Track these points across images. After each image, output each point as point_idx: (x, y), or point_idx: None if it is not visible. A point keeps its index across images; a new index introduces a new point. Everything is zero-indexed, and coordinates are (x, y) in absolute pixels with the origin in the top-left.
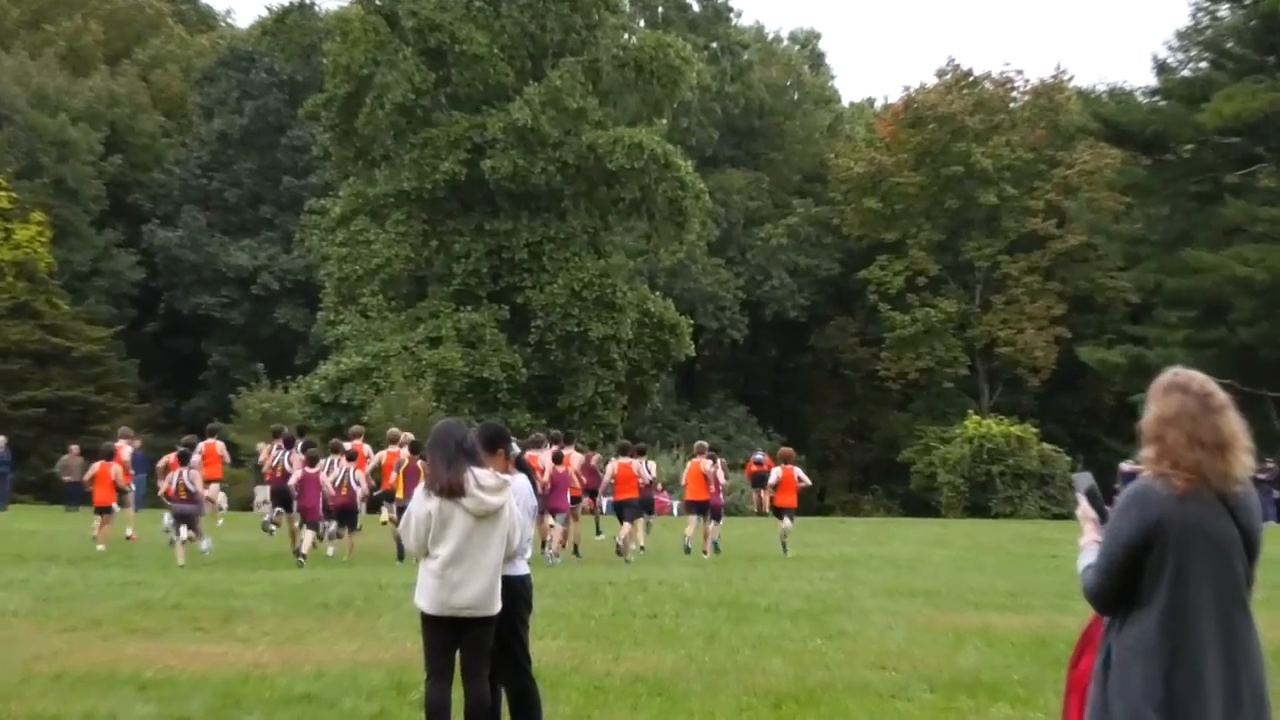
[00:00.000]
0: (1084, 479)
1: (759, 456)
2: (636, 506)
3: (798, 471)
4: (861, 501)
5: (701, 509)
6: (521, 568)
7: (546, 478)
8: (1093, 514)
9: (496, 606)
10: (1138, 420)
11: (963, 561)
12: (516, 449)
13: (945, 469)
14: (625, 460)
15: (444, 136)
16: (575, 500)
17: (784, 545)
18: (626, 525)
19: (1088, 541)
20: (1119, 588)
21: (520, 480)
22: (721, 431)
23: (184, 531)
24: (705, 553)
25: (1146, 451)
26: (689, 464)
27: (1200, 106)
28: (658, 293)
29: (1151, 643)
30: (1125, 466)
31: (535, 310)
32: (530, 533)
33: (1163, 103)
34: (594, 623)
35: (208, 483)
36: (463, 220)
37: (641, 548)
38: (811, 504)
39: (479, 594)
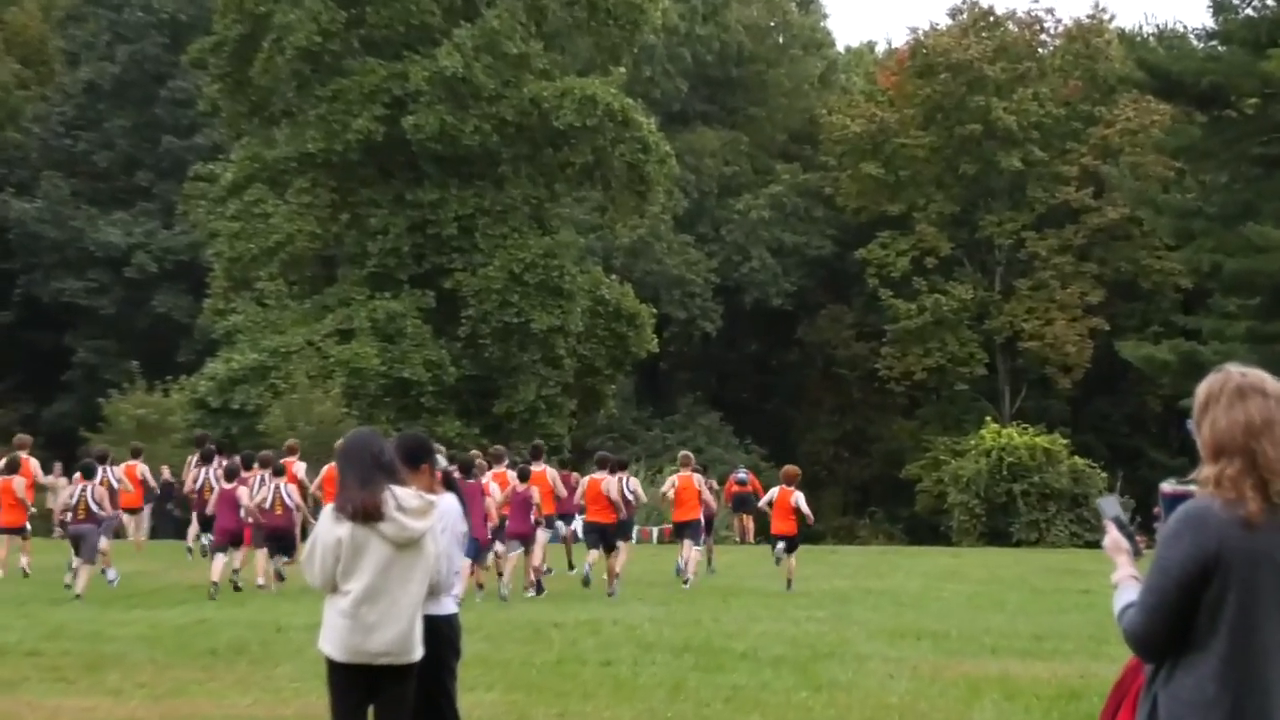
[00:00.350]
0: (1110, 504)
1: (741, 475)
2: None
3: (797, 497)
4: (858, 526)
5: (693, 531)
6: (448, 605)
7: (502, 499)
8: (1126, 545)
9: (418, 652)
10: (1188, 430)
11: (978, 598)
12: (443, 463)
13: (958, 488)
14: (597, 476)
15: (357, 88)
16: (546, 523)
17: (788, 581)
18: (593, 553)
19: (1122, 577)
20: (1169, 630)
21: (448, 501)
22: (691, 443)
23: (76, 560)
24: (685, 583)
25: (1223, 466)
26: (675, 478)
27: (1266, 53)
28: (614, 276)
29: (1209, 695)
30: (1167, 487)
31: (466, 297)
32: (459, 564)
33: (1221, 48)
34: (535, 671)
35: (129, 512)
36: (380, 189)
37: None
38: (798, 528)
39: (398, 638)
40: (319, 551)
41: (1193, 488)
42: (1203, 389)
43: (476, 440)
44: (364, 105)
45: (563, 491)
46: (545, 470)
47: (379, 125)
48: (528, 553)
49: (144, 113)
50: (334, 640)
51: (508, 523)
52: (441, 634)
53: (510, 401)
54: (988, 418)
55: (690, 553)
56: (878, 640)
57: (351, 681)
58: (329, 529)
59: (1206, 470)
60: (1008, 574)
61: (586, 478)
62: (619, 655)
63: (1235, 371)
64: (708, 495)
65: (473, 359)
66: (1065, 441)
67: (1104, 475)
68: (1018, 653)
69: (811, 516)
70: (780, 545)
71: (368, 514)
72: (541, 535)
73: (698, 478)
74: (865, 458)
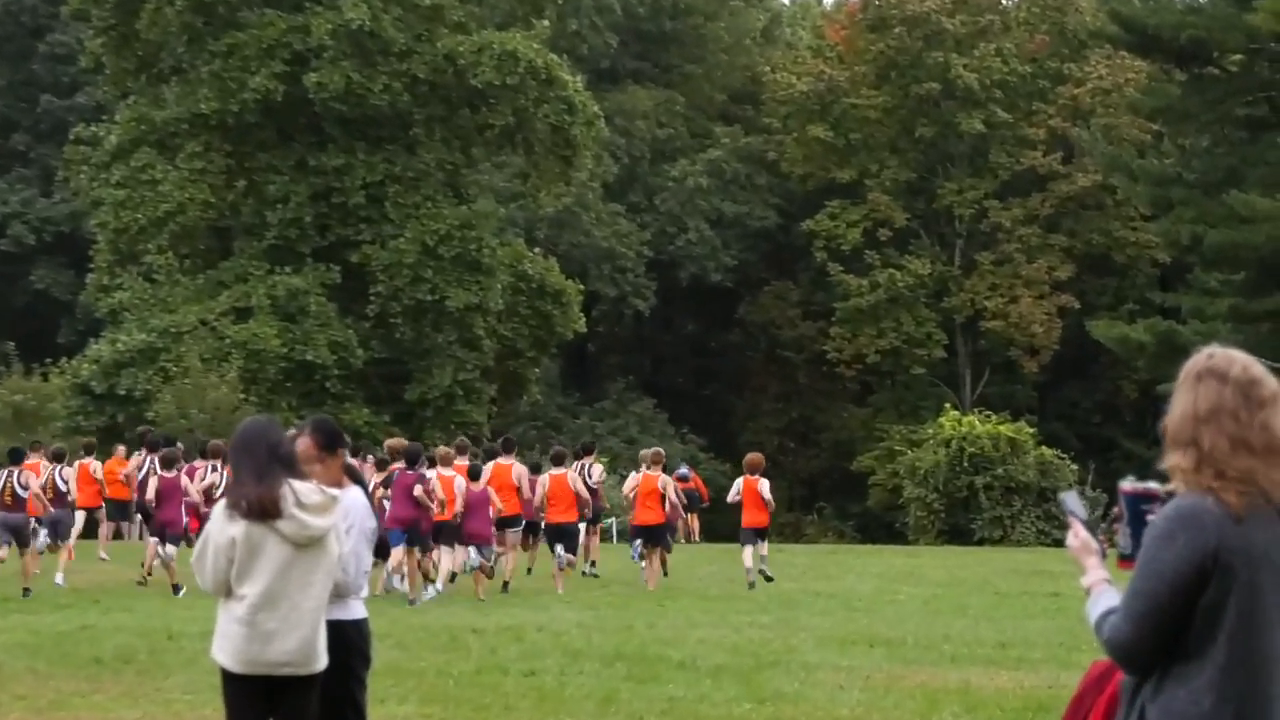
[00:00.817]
0: (1073, 500)
1: (683, 471)
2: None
3: (763, 485)
4: (805, 523)
5: (656, 536)
6: (356, 609)
7: (459, 500)
8: (1094, 544)
9: (321, 662)
10: (1161, 418)
11: (937, 602)
12: (346, 454)
13: (914, 481)
14: (558, 471)
15: (254, 43)
16: (509, 525)
17: (763, 573)
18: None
19: (1095, 581)
20: (1160, 639)
21: (353, 495)
22: (622, 432)
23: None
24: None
25: (1177, 458)
26: (638, 476)
27: (1252, 5)
28: (537, 250)
29: (1205, 708)
30: (1126, 485)
31: (375, 273)
32: (366, 563)
33: (1203, 0)
34: (452, 682)
35: (86, 511)
36: (280, 154)
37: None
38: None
39: (299, 646)
40: (211, 552)
41: (1154, 485)
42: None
43: (386, 429)
44: (262, 61)
45: (528, 492)
46: (513, 465)
47: (278, 84)
48: (485, 555)
49: (20, 69)
50: (229, 649)
51: (465, 522)
52: (349, 640)
53: (424, 387)
54: (947, 405)
55: (655, 562)
56: (827, 648)
57: (249, 694)
58: (221, 528)
59: (1167, 462)
60: (969, 575)
61: (546, 475)
62: (544, 664)
63: (1205, 354)
64: (673, 497)
65: (382, 340)
66: (1032, 431)
67: (1074, 468)
68: (980, 661)
69: (773, 504)
70: (753, 542)
71: (264, 511)
72: (512, 536)
73: (664, 478)
74: (813, 448)
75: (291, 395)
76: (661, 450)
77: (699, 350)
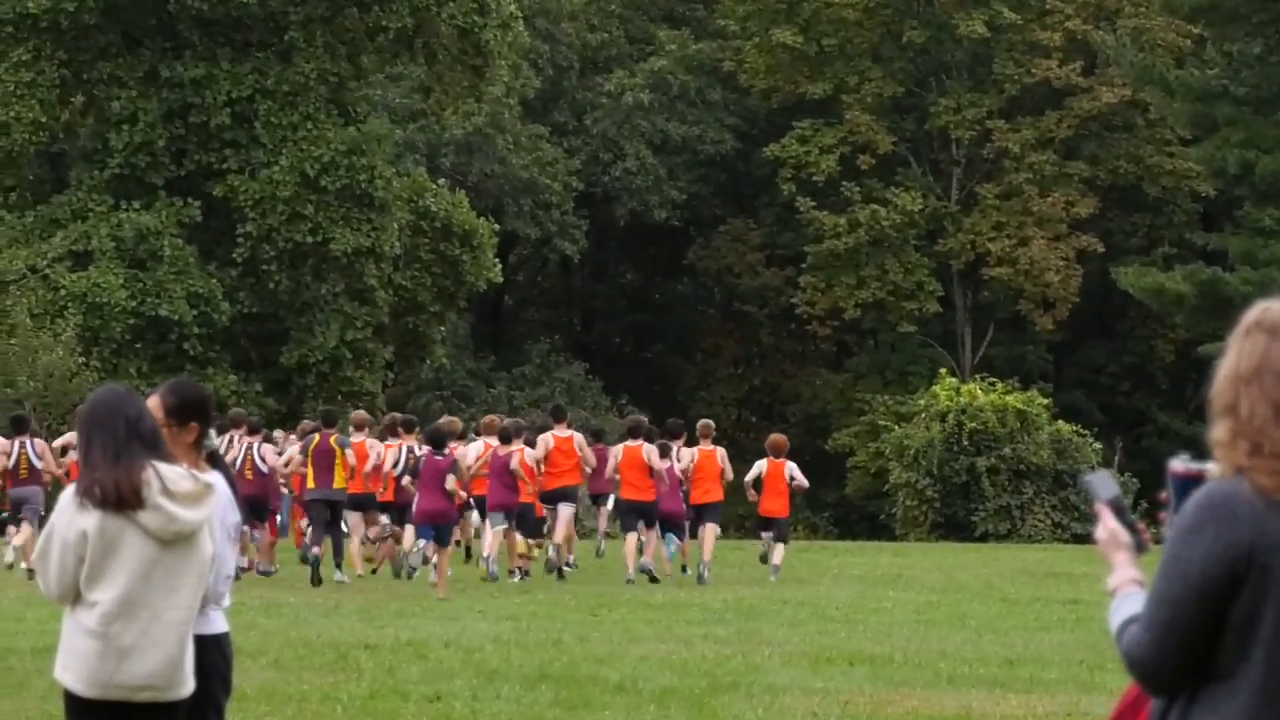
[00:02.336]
0: (1103, 483)
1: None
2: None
3: (792, 468)
4: None
5: (644, 513)
6: (216, 622)
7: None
8: (1125, 537)
9: (188, 685)
10: (1206, 385)
11: (930, 611)
12: (214, 444)
13: (903, 464)
14: (633, 444)
15: None
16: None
17: (773, 568)
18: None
19: (1122, 581)
20: (1186, 654)
21: (216, 485)
22: (546, 403)
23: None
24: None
25: (1219, 432)
26: (619, 448)
27: None
28: (442, 181)
29: None
30: (1178, 465)
31: (244, 209)
32: (231, 567)
33: None
34: (340, 709)
35: None
36: (125, 63)
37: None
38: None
39: (163, 665)
40: (56, 549)
41: (1212, 466)
42: None
43: (258, 400)
44: None
45: (592, 461)
46: (573, 436)
47: None
48: (512, 528)
49: None
50: (77, 669)
51: (489, 494)
52: (208, 659)
53: (303, 349)
54: (942, 370)
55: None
56: (796, 666)
57: None
58: (70, 520)
59: (1214, 434)
60: (969, 578)
61: (619, 447)
62: (451, 687)
63: (1259, 307)
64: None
65: (252, 292)
66: (1045, 402)
67: (1097, 446)
68: (984, 682)
69: (805, 482)
70: (769, 533)
71: (123, 499)
72: (566, 510)
73: (721, 452)
74: (779, 423)
75: (141, 359)
76: (710, 423)
77: (640, 304)
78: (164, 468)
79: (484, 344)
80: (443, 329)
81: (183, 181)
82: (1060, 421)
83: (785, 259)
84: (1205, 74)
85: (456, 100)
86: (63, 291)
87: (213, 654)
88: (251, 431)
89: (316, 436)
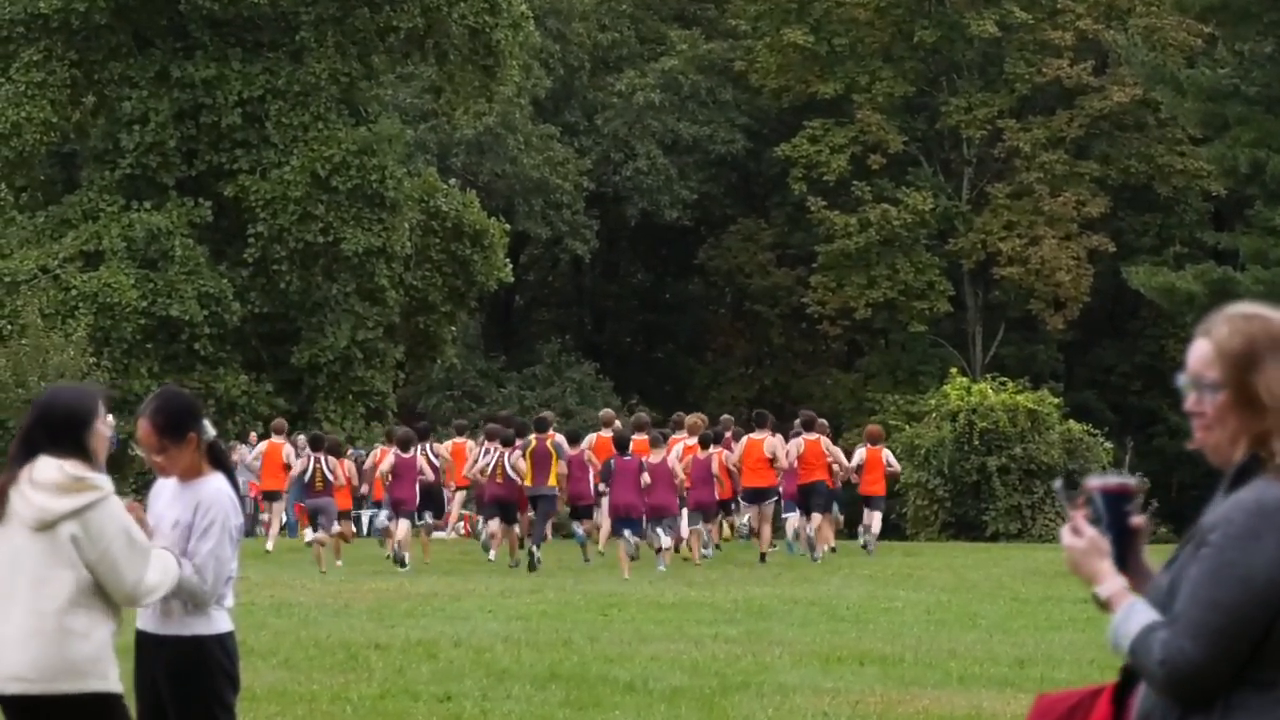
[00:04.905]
0: (1063, 489)
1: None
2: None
3: (887, 454)
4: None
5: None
6: (220, 621)
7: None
8: (1105, 543)
9: (75, 682)
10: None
11: (941, 610)
12: (211, 432)
13: (914, 463)
14: (756, 436)
15: None
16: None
17: (865, 544)
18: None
19: (1116, 591)
20: (1235, 660)
21: (215, 485)
22: (557, 403)
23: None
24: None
25: (1276, 441)
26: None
27: None
28: (453, 181)
29: None
30: (1096, 482)
31: (255, 209)
32: (233, 567)
33: None
34: (350, 709)
35: (268, 496)
36: (137, 63)
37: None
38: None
39: (36, 657)
40: None
41: (1130, 479)
42: (1249, 330)
43: (269, 400)
44: None
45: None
46: (765, 439)
47: None
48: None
49: None
50: None
51: (689, 493)
52: (211, 658)
53: (314, 349)
54: (953, 370)
55: (814, 522)
56: (807, 666)
57: None
58: None
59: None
60: (980, 578)
61: (745, 439)
62: (462, 688)
63: None
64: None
65: (263, 292)
66: (1056, 401)
67: (1108, 446)
68: (994, 682)
69: (898, 467)
70: (868, 508)
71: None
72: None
73: (821, 435)
74: (789, 423)
75: (152, 359)
76: (767, 412)
77: (650, 303)
78: (43, 461)
79: (495, 344)
80: (453, 329)
81: (194, 182)
82: (1071, 421)
83: (796, 259)
84: (1216, 73)
85: (467, 100)
86: (74, 292)
87: (216, 652)
88: (506, 442)
89: (534, 439)
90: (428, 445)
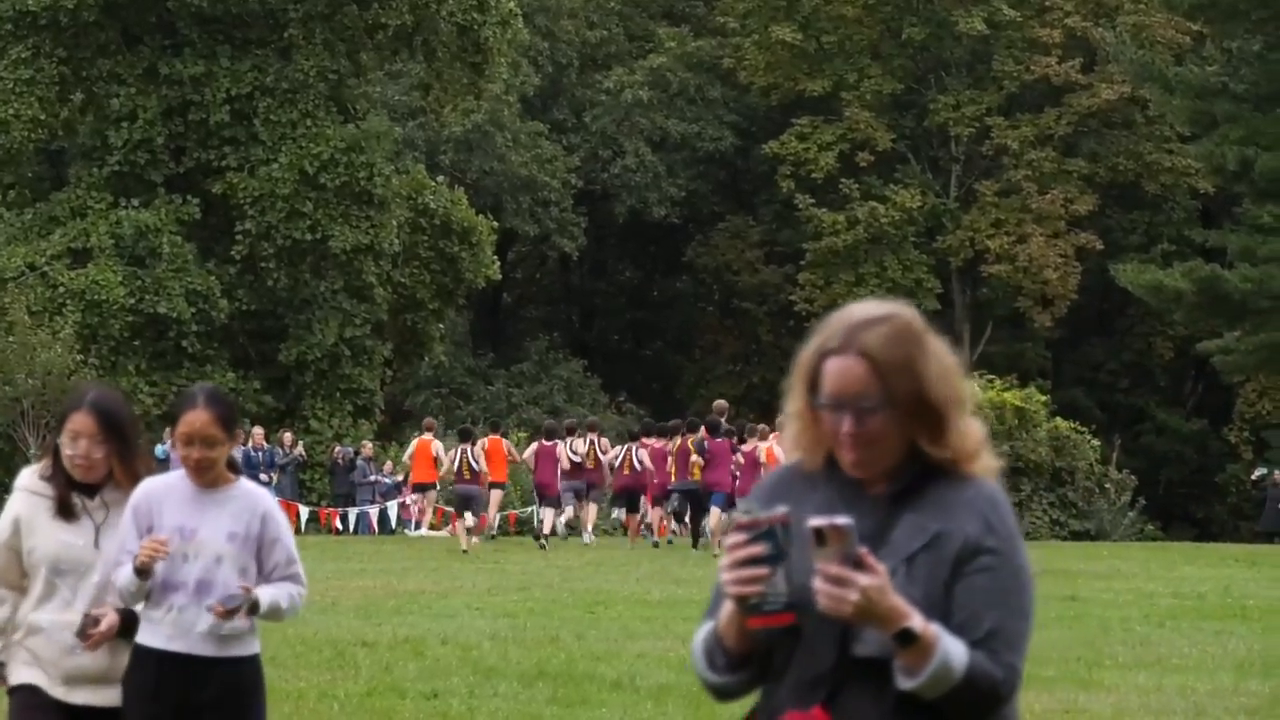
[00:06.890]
0: (747, 508)
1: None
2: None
3: None
4: None
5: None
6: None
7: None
8: (881, 570)
9: None
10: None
11: None
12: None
13: None
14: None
15: None
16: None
17: None
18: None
19: (924, 622)
20: None
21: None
22: (545, 401)
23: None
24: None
25: None
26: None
27: None
28: (441, 178)
29: None
30: (744, 518)
31: (243, 206)
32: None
33: None
34: (337, 706)
35: (419, 488)
36: (125, 60)
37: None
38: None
39: None
40: None
41: (779, 510)
42: None
43: (256, 397)
44: None
45: None
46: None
47: None
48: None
49: None
50: None
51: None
52: (262, 675)
53: (302, 346)
54: None
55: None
56: None
57: None
58: None
59: None
60: None
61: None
62: (449, 685)
63: None
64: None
65: (251, 289)
66: (1044, 399)
67: (1095, 444)
68: None
69: None
70: None
71: None
72: None
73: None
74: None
75: (140, 356)
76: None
77: (638, 301)
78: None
79: (483, 341)
80: (441, 326)
81: (182, 179)
82: (1059, 419)
83: (784, 256)
84: (1204, 71)
85: (456, 97)
86: (61, 289)
87: (250, 674)
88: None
89: (678, 439)
90: (470, 445)
